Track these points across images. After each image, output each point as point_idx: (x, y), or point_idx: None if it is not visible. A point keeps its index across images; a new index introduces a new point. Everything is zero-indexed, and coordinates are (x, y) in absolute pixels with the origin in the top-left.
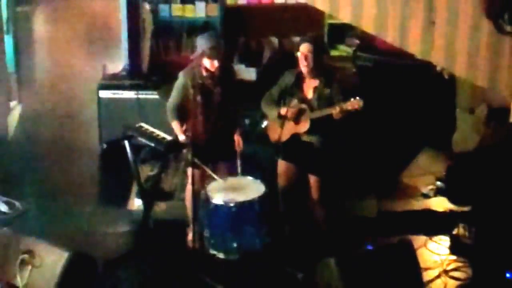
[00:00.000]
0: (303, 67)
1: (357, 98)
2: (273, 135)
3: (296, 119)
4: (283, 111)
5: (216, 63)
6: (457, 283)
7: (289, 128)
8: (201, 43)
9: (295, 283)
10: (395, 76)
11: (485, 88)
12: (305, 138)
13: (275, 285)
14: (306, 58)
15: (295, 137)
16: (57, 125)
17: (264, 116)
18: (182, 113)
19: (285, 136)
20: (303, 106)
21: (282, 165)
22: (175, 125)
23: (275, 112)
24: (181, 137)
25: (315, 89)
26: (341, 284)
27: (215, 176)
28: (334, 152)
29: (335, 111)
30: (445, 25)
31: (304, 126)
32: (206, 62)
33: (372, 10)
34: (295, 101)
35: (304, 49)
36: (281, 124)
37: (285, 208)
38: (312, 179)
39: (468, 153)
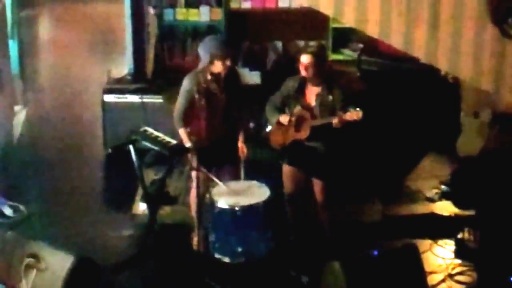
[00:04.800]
0: (302, 73)
1: (357, 109)
2: (275, 142)
3: (297, 126)
4: (284, 119)
5: (228, 62)
6: (462, 287)
7: (290, 135)
8: (207, 47)
9: (300, 286)
10: (399, 80)
11: (490, 92)
12: (308, 143)
13: None
14: (306, 68)
15: (298, 142)
16: (61, 129)
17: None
18: (187, 117)
19: (286, 143)
20: (304, 113)
21: (287, 169)
22: (182, 132)
23: (276, 118)
24: (188, 144)
25: (318, 96)
26: None
27: (218, 182)
28: (338, 157)
29: (334, 120)
30: (450, 29)
31: (305, 133)
32: (218, 65)
33: (376, 14)
34: (298, 107)
35: (304, 60)
36: (282, 131)
37: (290, 212)
38: (317, 184)
39: (473, 157)
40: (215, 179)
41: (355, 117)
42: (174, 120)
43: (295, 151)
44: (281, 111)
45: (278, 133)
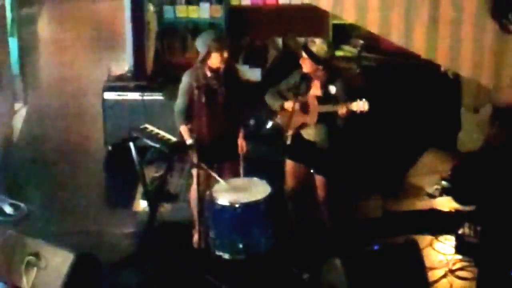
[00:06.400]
0: (304, 69)
1: (364, 100)
2: (284, 124)
3: (304, 111)
4: (288, 105)
5: (225, 54)
6: (462, 282)
7: (297, 119)
8: (203, 40)
9: (301, 283)
10: (399, 76)
11: (490, 87)
12: (310, 137)
13: (281, 286)
14: (305, 65)
15: (301, 137)
16: (62, 127)
17: (269, 117)
18: (187, 114)
19: (294, 125)
20: (311, 100)
21: (289, 164)
22: (183, 129)
23: (278, 103)
24: (189, 141)
25: (322, 88)
26: (347, 284)
27: (219, 179)
28: (340, 152)
29: (341, 110)
30: (450, 24)
31: (313, 118)
32: (215, 57)
33: (376, 10)
34: (302, 99)
35: (303, 57)
36: (287, 117)
37: (292, 207)
38: (318, 179)
39: (473, 153)
40: (216, 176)
41: (361, 108)
42: (175, 117)
43: (297, 146)
44: (285, 99)
45: (284, 117)
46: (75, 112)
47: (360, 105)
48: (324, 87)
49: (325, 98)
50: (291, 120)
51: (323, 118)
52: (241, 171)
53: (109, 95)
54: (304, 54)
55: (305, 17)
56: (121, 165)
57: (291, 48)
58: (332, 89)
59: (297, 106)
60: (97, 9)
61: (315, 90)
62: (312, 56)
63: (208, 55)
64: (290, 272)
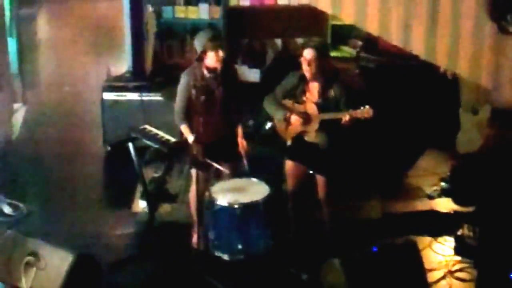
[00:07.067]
0: (306, 72)
1: (367, 106)
2: (282, 133)
3: (306, 119)
4: (289, 115)
5: (221, 53)
6: (462, 284)
7: (297, 126)
8: (200, 39)
9: (300, 284)
10: (398, 77)
11: (489, 88)
12: (310, 139)
13: (280, 286)
14: (309, 63)
15: (301, 137)
16: (61, 127)
17: (268, 117)
18: (186, 113)
19: (293, 133)
20: (310, 111)
21: (289, 164)
22: (184, 128)
23: (280, 114)
24: (190, 139)
25: (320, 92)
26: (346, 285)
27: (225, 171)
28: (340, 153)
29: (345, 118)
30: (449, 25)
31: (314, 125)
32: (211, 56)
33: (375, 11)
34: (301, 106)
35: (307, 55)
36: (286, 125)
37: (292, 207)
38: (319, 179)
39: (472, 154)
40: (221, 168)
41: (365, 115)
42: (174, 117)
43: (298, 147)
44: (282, 105)
45: (283, 127)
46: (74, 112)
47: (364, 112)
48: (323, 89)
49: (324, 102)
50: (290, 130)
51: (324, 124)
52: (246, 167)
53: (108, 95)
54: (310, 55)
55: (303, 17)
56: (120, 166)
57: (290, 49)
58: (331, 91)
59: (298, 119)
60: (96, 9)
61: (313, 96)
62: (322, 51)
63: (204, 54)
64: (289, 273)
